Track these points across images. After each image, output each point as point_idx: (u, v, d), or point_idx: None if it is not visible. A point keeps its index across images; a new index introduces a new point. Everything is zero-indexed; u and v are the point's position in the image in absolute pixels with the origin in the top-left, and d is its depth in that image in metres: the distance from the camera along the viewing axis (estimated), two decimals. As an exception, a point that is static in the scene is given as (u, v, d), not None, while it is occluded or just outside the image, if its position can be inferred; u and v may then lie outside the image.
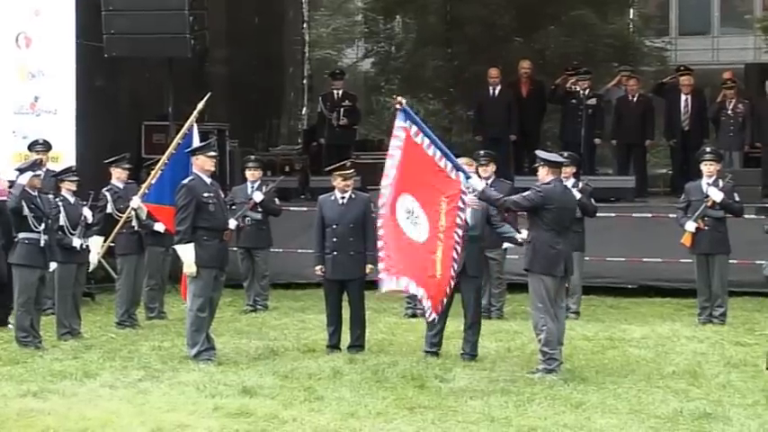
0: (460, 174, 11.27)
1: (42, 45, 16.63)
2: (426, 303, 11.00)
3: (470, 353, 11.94)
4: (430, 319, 11.53)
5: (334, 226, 12.51)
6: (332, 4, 35.23)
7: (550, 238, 11.14)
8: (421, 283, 10.98)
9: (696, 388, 10.56)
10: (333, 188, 12.81)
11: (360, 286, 12.61)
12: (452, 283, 11.18)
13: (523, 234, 11.76)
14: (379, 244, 11.16)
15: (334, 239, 12.48)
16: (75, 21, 16.60)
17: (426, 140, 11.31)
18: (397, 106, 11.43)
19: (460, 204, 11.25)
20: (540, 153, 11.66)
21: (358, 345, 12.51)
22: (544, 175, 11.33)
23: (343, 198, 12.62)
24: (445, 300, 11.33)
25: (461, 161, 11.66)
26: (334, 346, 12.54)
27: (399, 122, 11.38)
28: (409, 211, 11.22)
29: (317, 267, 12.58)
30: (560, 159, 11.93)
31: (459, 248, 11.13)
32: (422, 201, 11.19)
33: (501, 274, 14.72)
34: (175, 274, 14.29)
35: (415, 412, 9.61)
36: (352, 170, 12.91)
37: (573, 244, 13.94)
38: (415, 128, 11.29)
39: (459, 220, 11.17)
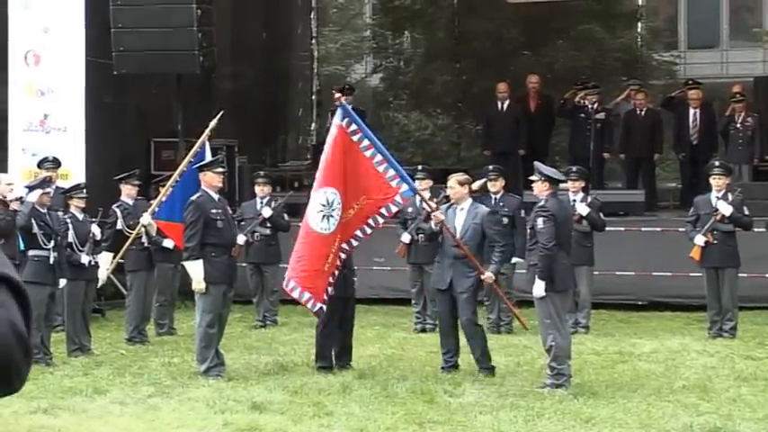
0: (404, 185, 11.67)
1: (51, 63, 16.67)
2: (305, 296, 11.53)
3: (482, 366, 11.88)
4: (315, 310, 11.73)
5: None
6: (340, 20, 35.29)
7: (555, 253, 11.14)
8: (306, 280, 11.53)
9: (706, 402, 10.54)
10: None
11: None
12: (332, 281, 11.63)
13: (487, 275, 11.80)
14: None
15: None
16: (85, 38, 16.64)
17: (366, 142, 11.69)
18: (336, 103, 11.89)
19: (383, 212, 11.71)
20: (540, 167, 11.63)
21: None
22: (543, 189, 11.32)
23: None
24: (330, 289, 11.66)
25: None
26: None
27: (336, 120, 11.86)
28: (326, 204, 11.64)
29: None
30: (560, 176, 11.96)
31: (351, 245, 11.81)
32: (343, 195, 11.61)
33: (510, 289, 14.69)
34: (185, 290, 14.32)
35: (425, 427, 9.61)
36: None
37: (582, 258, 14.04)
38: (353, 126, 11.70)
39: (371, 222, 11.73)
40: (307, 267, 11.69)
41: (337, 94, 12.31)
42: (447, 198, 12.92)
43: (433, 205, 12.72)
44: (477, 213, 11.98)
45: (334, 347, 12.42)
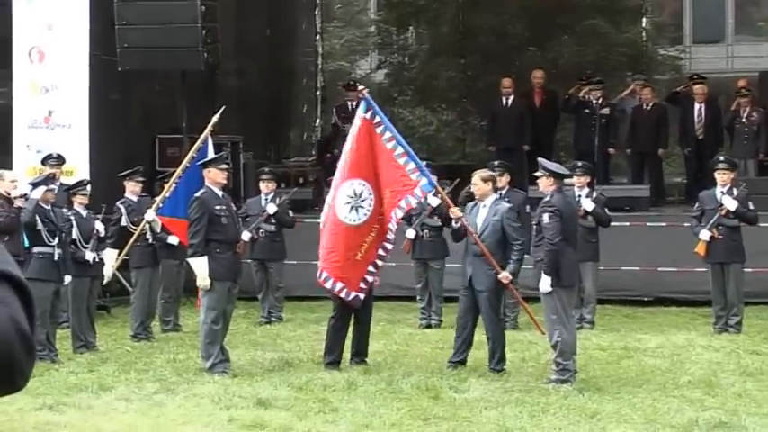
0: (423, 178, 11.82)
1: (56, 59, 16.66)
2: (338, 286, 11.82)
3: (492, 367, 11.86)
4: (350, 299, 11.97)
5: None
6: (345, 16, 35.29)
7: (561, 248, 11.13)
8: (339, 270, 11.84)
9: (711, 397, 10.53)
10: None
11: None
12: (374, 270, 11.99)
13: (503, 275, 11.76)
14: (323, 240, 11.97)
15: None
16: (89, 34, 16.64)
17: (388, 134, 11.90)
18: (360, 96, 12.12)
19: (402, 204, 11.88)
20: (544, 162, 11.62)
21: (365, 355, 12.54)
22: (548, 185, 11.31)
23: None
24: (370, 279, 12.01)
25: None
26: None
27: (360, 112, 12.09)
28: (353, 195, 11.88)
29: None
30: (564, 171, 11.95)
31: (390, 239, 12.03)
32: (372, 186, 11.86)
33: (516, 284, 14.66)
34: (190, 286, 14.33)
35: (430, 423, 9.60)
36: None
37: (587, 254, 14.02)
38: (377, 119, 11.93)
39: (395, 216, 11.93)
40: (338, 258, 11.94)
41: (361, 87, 12.63)
42: (471, 194, 12.98)
43: (450, 203, 12.66)
44: (498, 210, 11.93)
45: (352, 343, 12.45)
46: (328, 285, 12.02)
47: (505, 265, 11.78)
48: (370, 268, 12.08)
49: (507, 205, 12.21)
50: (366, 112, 12.03)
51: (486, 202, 12.03)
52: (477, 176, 12.20)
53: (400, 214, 12.21)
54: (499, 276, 11.73)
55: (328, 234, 12.04)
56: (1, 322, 2.00)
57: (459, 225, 12.10)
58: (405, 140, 12.24)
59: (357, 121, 12.10)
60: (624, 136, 20.30)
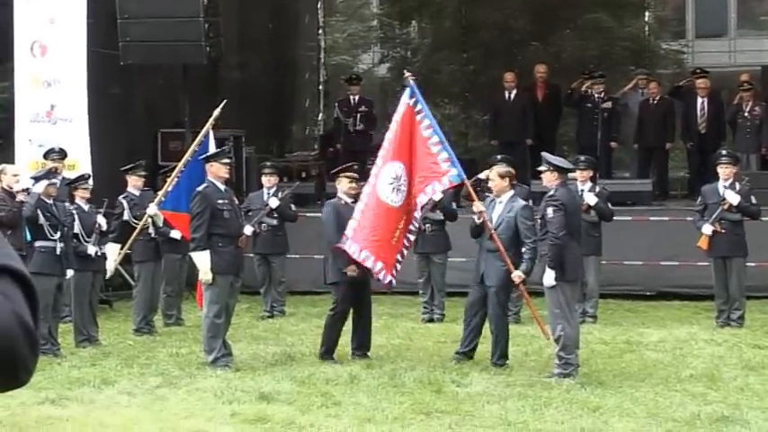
0: (454, 169, 12.00)
1: (58, 53, 16.65)
2: (378, 266, 11.93)
3: (494, 362, 11.86)
4: (386, 281, 12.11)
5: None
6: (347, 10, 35.22)
7: (566, 242, 11.13)
8: (380, 250, 11.97)
9: (714, 391, 10.54)
10: (355, 194, 12.80)
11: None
12: (404, 253, 12.24)
13: (516, 274, 11.72)
14: (356, 214, 12.06)
15: None
16: (87, 29, 16.61)
17: (427, 122, 12.13)
18: (404, 83, 12.43)
19: (428, 190, 12.08)
20: (548, 157, 11.61)
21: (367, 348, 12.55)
22: (552, 179, 11.31)
23: (353, 201, 12.59)
24: (398, 267, 12.19)
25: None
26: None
27: (404, 99, 12.33)
28: (396, 177, 12.08)
29: (351, 267, 12.23)
30: (568, 165, 11.94)
31: (413, 230, 12.33)
32: (408, 170, 12.08)
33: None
34: (192, 280, 14.34)
35: (432, 417, 9.61)
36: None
37: (590, 248, 14.00)
38: (419, 106, 12.15)
39: (419, 203, 12.17)
40: (379, 237, 12.07)
41: (408, 73, 12.80)
42: (479, 181, 13.32)
43: (475, 197, 12.59)
44: (514, 207, 11.89)
45: (353, 337, 12.48)
46: (369, 264, 12.01)
47: (518, 263, 11.74)
48: (398, 257, 12.25)
49: (523, 203, 12.07)
50: (410, 98, 12.29)
51: (503, 198, 12.00)
52: (494, 172, 12.17)
53: (424, 200, 12.35)
54: (512, 276, 11.71)
55: (371, 214, 12.12)
56: (4, 316, 1.99)
57: (480, 221, 12.06)
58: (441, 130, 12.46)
59: (401, 107, 12.35)
60: (626, 130, 20.26)
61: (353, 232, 12.00)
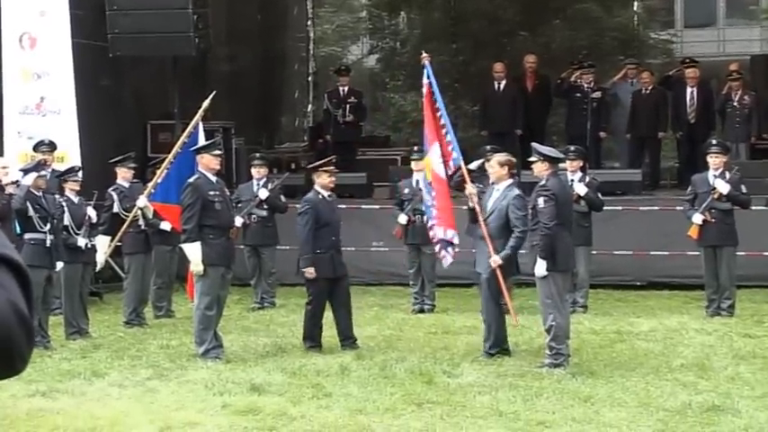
0: (455, 153, 12.56)
1: (47, 46, 16.60)
2: (451, 233, 12.63)
3: (486, 350, 11.85)
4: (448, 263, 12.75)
5: (331, 224, 12.53)
6: (336, 1, 35.22)
7: (557, 232, 11.12)
8: (447, 220, 12.62)
9: (704, 380, 10.55)
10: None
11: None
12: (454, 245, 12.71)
13: (493, 258, 11.77)
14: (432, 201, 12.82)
15: (333, 238, 12.50)
16: (71, 20, 16.54)
17: (437, 104, 12.76)
18: (424, 62, 12.95)
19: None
20: (538, 147, 11.60)
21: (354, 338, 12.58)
22: (543, 170, 11.30)
23: (330, 196, 12.65)
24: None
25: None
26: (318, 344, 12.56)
27: (425, 78, 12.92)
28: (440, 155, 12.68)
29: (309, 269, 12.38)
30: (559, 154, 11.94)
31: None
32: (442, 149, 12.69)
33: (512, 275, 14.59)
34: (182, 272, 14.33)
35: (424, 408, 9.61)
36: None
37: (580, 238, 14.00)
38: (433, 88, 12.79)
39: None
40: (449, 214, 12.74)
41: (425, 54, 13.31)
42: (469, 171, 13.27)
43: (468, 178, 12.68)
44: (507, 196, 11.89)
45: (338, 329, 12.51)
46: (456, 239, 12.66)
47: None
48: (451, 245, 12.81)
49: (517, 192, 12.00)
50: (427, 78, 12.86)
51: (500, 186, 11.99)
52: (494, 160, 12.18)
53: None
54: (490, 260, 11.72)
55: (439, 193, 12.74)
56: (0, 306, 1.98)
57: (473, 204, 12.28)
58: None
59: (424, 88, 12.94)
60: (616, 120, 20.26)
61: (437, 219, 12.68)
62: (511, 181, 12.05)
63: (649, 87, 19.94)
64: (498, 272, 11.77)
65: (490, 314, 11.91)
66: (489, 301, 11.91)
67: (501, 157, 12.23)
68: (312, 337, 12.47)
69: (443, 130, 12.60)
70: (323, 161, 13.21)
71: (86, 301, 13.98)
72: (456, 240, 12.62)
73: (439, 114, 12.67)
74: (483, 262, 11.88)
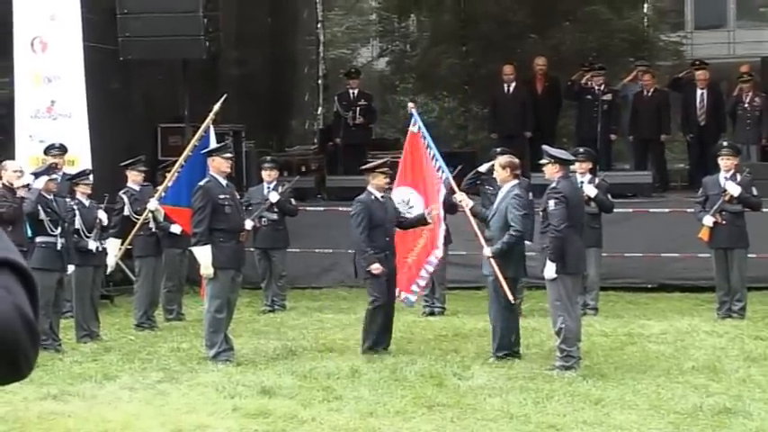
0: (445, 173, 12.75)
1: (58, 49, 16.64)
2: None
3: (493, 353, 11.83)
4: (401, 299, 12.58)
5: (384, 225, 12.50)
6: (346, 4, 35.20)
7: (567, 235, 11.12)
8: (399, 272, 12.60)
9: (716, 383, 10.53)
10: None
11: None
12: (428, 270, 12.64)
13: (486, 250, 11.90)
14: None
15: (386, 239, 12.46)
16: (82, 24, 16.58)
17: (425, 141, 12.86)
18: (411, 111, 13.34)
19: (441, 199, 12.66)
20: (548, 149, 11.61)
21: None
22: (553, 172, 11.30)
23: (383, 198, 12.62)
24: (422, 283, 12.86)
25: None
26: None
27: (411, 127, 13.20)
28: (401, 202, 12.79)
29: (374, 265, 12.26)
30: (570, 156, 11.94)
31: (438, 246, 12.66)
32: (421, 193, 12.74)
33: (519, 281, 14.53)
34: (193, 275, 14.34)
35: (434, 410, 9.61)
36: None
37: (590, 240, 13.98)
38: (422, 131, 12.92)
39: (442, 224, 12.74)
40: (398, 259, 12.63)
41: (411, 104, 13.91)
42: (479, 174, 13.81)
43: (455, 187, 12.84)
44: (508, 196, 11.90)
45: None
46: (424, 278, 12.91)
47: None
48: (422, 272, 12.65)
49: (516, 192, 12.01)
50: (413, 125, 13.09)
51: (504, 188, 12.01)
52: (497, 162, 12.23)
53: (442, 212, 12.79)
54: (484, 252, 11.78)
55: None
56: (6, 310, 1.99)
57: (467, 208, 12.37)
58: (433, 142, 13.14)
59: (408, 136, 13.25)
60: (626, 121, 20.25)
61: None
62: (515, 182, 12.05)
63: (651, 89, 19.92)
64: (494, 265, 11.72)
65: (496, 317, 11.90)
66: (494, 302, 11.90)
67: (503, 159, 12.25)
68: (372, 340, 12.27)
69: (439, 172, 12.72)
70: (378, 162, 13.15)
71: (97, 304, 14.00)
72: (396, 292, 12.58)
73: (429, 154, 12.80)
74: (488, 264, 11.89)
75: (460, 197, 12.41)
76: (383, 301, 12.35)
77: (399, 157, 13.58)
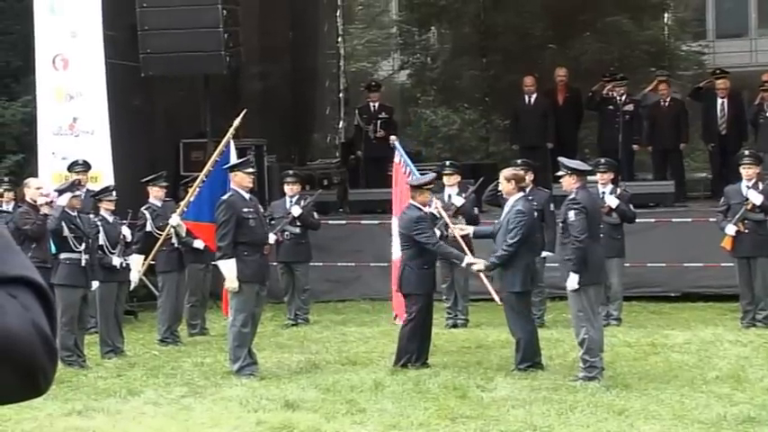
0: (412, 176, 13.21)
1: (79, 66, 16.74)
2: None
3: (516, 366, 11.82)
4: (396, 322, 12.97)
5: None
6: (366, 17, 35.28)
7: (588, 245, 11.12)
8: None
9: (740, 392, 10.50)
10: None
11: None
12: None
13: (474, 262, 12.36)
14: None
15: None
16: (103, 41, 16.68)
17: (410, 169, 13.41)
18: (394, 144, 14.35)
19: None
20: (564, 161, 11.61)
21: None
22: (571, 183, 11.30)
23: (427, 213, 12.68)
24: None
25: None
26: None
27: (396, 158, 13.92)
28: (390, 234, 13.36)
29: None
30: (586, 167, 11.94)
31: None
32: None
33: (540, 283, 14.57)
34: (216, 290, 14.39)
35: (458, 422, 9.61)
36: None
37: (613, 250, 13.99)
38: (404, 160, 13.62)
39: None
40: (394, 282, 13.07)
41: (393, 137, 15.06)
42: (494, 193, 13.93)
43: (450, 222, 13.58)
44: (512, 210, 11.91)
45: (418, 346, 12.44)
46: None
47: (510, 267, 11.87)
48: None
49: (518, 207, 11.94)
50: (396, 157, 13.81)
51: (510, 200, 12.04)
52: (501, 175, 12.26)
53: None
54: (474, 267, 12.36)
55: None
56: (24, 327, 2.02)
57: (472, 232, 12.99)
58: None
59: (394, 167, 14.00)
60: (645, 132, 20.20)
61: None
62: (520, 195, 12.08)
63: (668, 99, 19.89)
64: (483, 278, 12.47)
65: (517, 329, 11.91)
66: (512, 316, 11.91)
67: (507, 171, 12.30)
68: (408, 358, 12.17)
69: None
70: (427, 179, 12.78)
71: (121, 319, 14.06)
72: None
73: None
74: (504, 278, 11.93)
75: (459, 228, 12.94)
76: (423, 318, 12.36)
77: (418, 170, 13.64)
